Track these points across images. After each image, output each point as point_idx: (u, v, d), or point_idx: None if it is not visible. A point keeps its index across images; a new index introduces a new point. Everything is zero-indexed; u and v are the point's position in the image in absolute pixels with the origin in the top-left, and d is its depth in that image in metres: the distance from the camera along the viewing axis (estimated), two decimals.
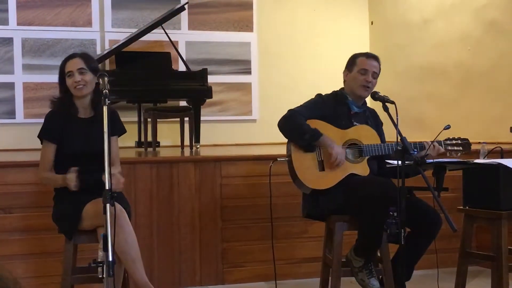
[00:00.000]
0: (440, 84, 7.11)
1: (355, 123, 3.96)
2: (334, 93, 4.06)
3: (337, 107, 3.96)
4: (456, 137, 3.96)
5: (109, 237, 2.83)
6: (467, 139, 3.97)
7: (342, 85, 4.09)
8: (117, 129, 3.76)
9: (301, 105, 3.96)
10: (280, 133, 3.92)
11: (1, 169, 4.46)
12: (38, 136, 3.68)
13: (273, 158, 4.14)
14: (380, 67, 4.03)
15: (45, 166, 3.64)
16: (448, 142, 3.94)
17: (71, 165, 3.56)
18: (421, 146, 3.88)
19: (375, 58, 4.03)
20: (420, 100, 7.34)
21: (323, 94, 4.06)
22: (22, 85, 7.19)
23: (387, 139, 4.02)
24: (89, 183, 3.50)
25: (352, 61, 4.02)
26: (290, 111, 3.90)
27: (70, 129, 3.63)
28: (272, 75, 8.04)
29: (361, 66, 3.97)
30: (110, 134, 3.61)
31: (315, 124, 3.86)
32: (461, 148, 3.93)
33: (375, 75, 3.99)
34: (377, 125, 4.08)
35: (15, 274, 4.32)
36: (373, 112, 4.13)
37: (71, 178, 3.53)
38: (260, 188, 4.78)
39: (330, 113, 3.92)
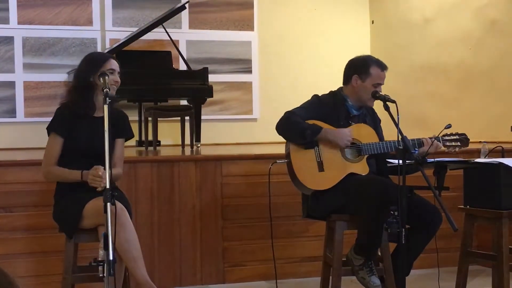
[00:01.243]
0: (441, 84, 7.11)
1: (352, 124, 3.95)
2: (332, 93, 4.02)
3: (335, 108, 3.93)
4: (454, 133, 3.95)
5: (109, 236, 2.83)
6: (464, 134, 3.95)
7: (341, 84, 4.06)
8: (125, 132, 3.77)
9: (298, 107, 3.93)
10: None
11: (2, 168, 4.45)
12: (47, 128, 3.66)
13: (273, 157, 4.14)
14: None
15: (50, 160, 3.61)
16: (446, 137, 3.93)
17: (76, 162, 3.55)
18: (419, 142, 3.87)
19: (386, 69, 3.97)
20: (421, 99, 7.34)
21: (320, 94, 4.04)
22: (22, 84, 7.19)
23: (388, 138, 4.01)
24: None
25: (365, 69, 3.91)
26: (287, 113, 3.87)
27: (80, 126, 3.62)
28: (272, 74, 8.04)
29: (376, 80, 3.90)
30: (117, 136, 3.65)
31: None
32: (459, 144, 3.92)
33: None
34: (375, 123, 4.05)
35: (16, 273, 4.35)
36: (370, 109, 4.07)
37: (96, 176, 3.44)
38: (260, 187, 4.77)
39: (328, 114, 3.90)
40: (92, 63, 3.66)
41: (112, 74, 3.61)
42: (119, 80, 3.64)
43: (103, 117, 3.61)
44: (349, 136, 3.80)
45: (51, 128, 3.65)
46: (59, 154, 3.61)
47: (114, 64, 3.66)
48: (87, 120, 3.63)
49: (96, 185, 3.42)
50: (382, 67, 3.94)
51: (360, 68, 3.93)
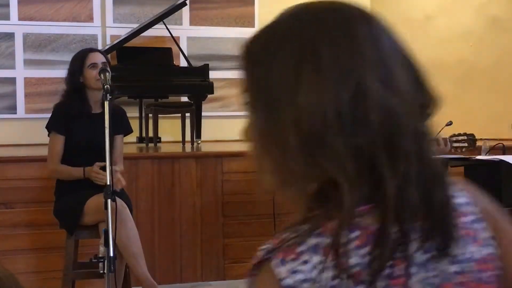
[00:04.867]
0: (441, 81, 7.02)
1: None
2: None
3: None
4: (462, 133, 3.93)
5: (110, 233, 2.83)
6: (472, 134, 3.93)
7: None
8: (124, 128, 3.76)
9: None
10: None
11: (2, 164, 4.45)
12: (46, 127, 3.66)
13: None
14: None
15: (54, 159, 3.61)
16: (454, 138, 3.90)
17: (76, 159, 3.55)
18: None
19: None
20: None
21: None
22: (23, 80, 7.18)
23: None
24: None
25: None
26: None
27: (78, 123, 3.62)
28: None
29: None
30: (116, 132, 3.64)
31: None
32: (466, 144, 3.90)
33: None
34: None
35: (16, 269, 4.35)
36: None
37: (99, 173, 3.45)
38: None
39: None
40: (76, 63, 3.62)
41: (94, 69, 3.56)
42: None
43: (101, 113, 3.63)
44: None
45: (51, 127, 3.64)
46: (62, 152, 3.61)
47: (96, 57, 3.60)
48: (85, 117, 3.62)
49: (99, 182, 3.41)
50: None
51: None
